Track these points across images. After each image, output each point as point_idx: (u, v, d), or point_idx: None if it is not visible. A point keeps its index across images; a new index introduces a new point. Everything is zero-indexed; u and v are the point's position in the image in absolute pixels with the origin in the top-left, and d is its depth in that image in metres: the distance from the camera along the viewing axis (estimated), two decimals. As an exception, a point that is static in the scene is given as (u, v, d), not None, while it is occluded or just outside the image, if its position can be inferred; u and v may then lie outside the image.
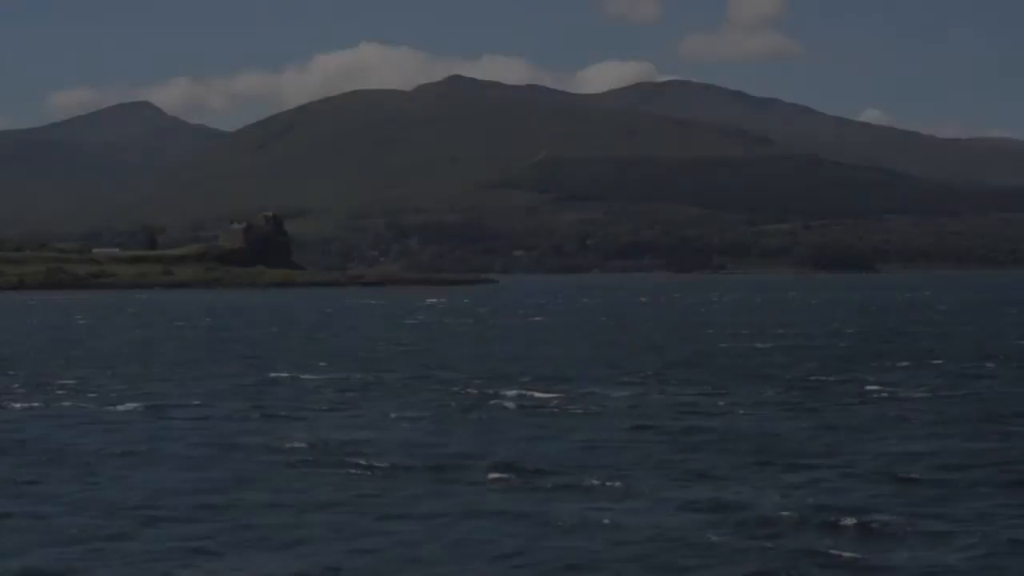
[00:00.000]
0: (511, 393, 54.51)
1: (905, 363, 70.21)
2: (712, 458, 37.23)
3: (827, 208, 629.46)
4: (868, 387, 56.50)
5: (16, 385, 61.11)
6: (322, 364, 72.76)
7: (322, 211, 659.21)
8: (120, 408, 50.90)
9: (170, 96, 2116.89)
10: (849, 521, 28.77)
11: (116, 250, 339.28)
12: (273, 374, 66.34)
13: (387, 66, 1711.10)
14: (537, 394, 54.28)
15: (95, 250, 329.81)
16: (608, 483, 33.34)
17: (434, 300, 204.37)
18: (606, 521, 28.96)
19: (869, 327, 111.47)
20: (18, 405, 52.34)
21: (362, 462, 36.70)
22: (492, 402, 51.77)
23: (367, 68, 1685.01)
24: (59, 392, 57.51)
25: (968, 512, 29.94)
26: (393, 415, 47.72)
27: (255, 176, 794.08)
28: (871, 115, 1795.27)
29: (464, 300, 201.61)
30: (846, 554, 26.32)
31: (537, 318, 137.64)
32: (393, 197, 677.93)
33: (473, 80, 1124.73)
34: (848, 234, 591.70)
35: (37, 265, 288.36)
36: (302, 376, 64.70)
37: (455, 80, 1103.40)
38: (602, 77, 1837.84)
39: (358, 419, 47.06)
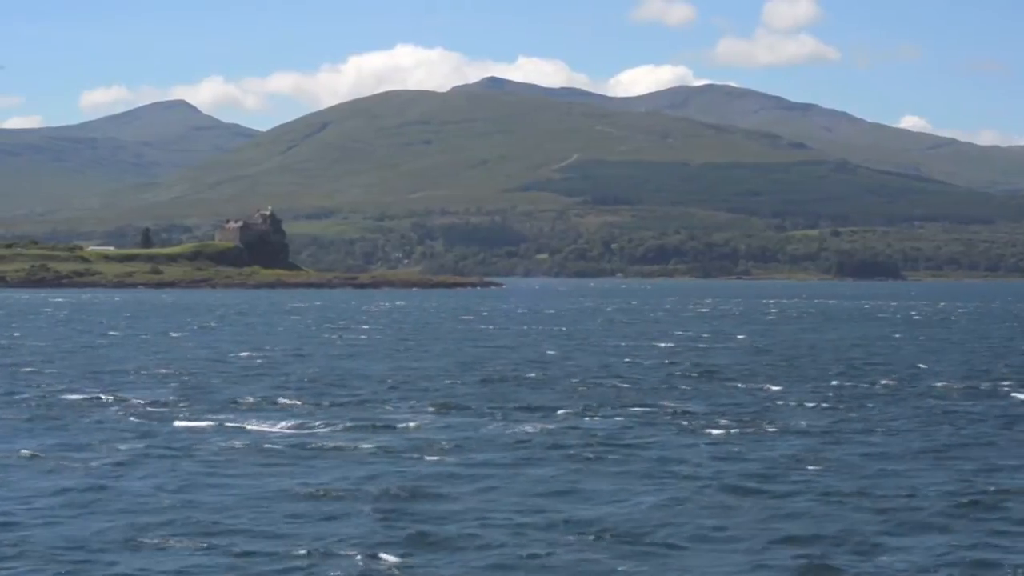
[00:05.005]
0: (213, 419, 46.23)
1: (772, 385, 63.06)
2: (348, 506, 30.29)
3: (858, 214, 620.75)
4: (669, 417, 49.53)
5: None
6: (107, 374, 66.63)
7: (350, 211, 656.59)
8: None
9: (205, 95, 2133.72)
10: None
11: (110, 248, 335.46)
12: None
13: (422, 68, 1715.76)
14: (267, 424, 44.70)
15: (89, 248, 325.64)
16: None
17: (402, 303, 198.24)
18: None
19: (790, 342, 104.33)
20: None
21: None
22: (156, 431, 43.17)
23: (402, 70, 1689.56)
24: None
25: None
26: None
27: (286, 176, 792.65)
28: (909, 122, 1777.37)
29: (427, 304, 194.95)
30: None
31: (471, 321, 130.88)
32: (422, 199, 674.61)
33: (509, 82, 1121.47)
34: (878, 241, 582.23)
35: (23, 263, 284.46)
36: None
37: (490, 82, 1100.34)
38: (638, 81, 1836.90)
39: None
